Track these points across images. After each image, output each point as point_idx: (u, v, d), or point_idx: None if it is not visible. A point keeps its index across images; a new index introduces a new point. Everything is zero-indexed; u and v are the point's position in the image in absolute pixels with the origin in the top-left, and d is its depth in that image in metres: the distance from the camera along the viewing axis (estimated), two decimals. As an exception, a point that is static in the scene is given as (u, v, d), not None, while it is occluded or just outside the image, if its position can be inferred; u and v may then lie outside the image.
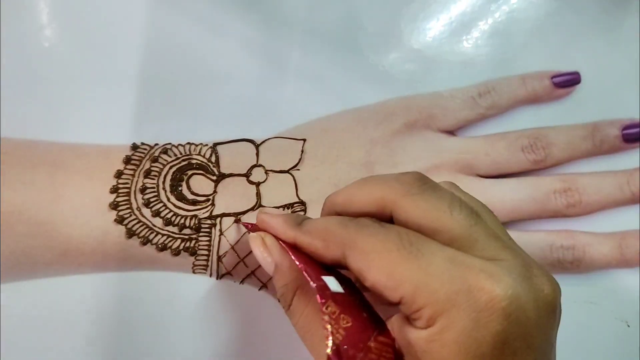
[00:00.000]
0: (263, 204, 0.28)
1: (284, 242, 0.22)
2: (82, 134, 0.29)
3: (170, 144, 0.29)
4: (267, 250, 0.23)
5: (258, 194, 0.28)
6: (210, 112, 0.31)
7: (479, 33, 0.33)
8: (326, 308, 0.18)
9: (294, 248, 0.22)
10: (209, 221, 0.28)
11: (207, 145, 0.29)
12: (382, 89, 0.32)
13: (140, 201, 0.28)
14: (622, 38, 0.33)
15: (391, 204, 0.20)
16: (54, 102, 0.30)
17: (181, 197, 0.28)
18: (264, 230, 0.23)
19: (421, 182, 0.21)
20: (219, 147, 0.29)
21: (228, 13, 0.32)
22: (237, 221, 0.28)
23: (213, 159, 0.29)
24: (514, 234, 0.30)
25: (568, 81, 0.32)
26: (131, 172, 0.28)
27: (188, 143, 0.29)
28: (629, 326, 0.30)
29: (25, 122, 0.29)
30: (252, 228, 0.25)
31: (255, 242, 0.23)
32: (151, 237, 0.27)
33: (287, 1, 0.33)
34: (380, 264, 0.18)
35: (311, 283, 0.19)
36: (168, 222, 0.28)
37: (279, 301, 0.23)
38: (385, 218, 0.21)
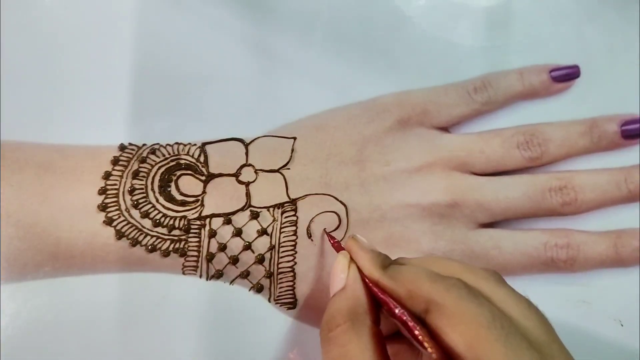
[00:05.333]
0: (253, 203, 0.28)
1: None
2: (71, 133, 0.29)
3: (158, 144, 0.29)
4: (345, 270, 0.23)
5: (248, 194, 0.28)
6: (201, 110, 0.30)
7: (478, 25, 0.32)
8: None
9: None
10: (198, 222, 0.28)
11: (195, 145, 0.29)
12: (380, 84, 0.31)
13: (128, 202, 0.27)
14: (621, 32, 0.32)
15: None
16: (42, 102, 0.29)
17: (170, 198, 0.28)
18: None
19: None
20: (207, 147, 0.29)
21: (221, 9, 0.31)
22: (326, 232, 0.28)
23: (202, 159, 0.29)
24: (508, 232, 0.30)
25: (567, 75, 0.31)
26: (119, 173, 0.28)
27: (176, 143, 0.29)
28: (622, 325, 0.29)
29: (14, 122, 0.29)
30: (336, 246, 0.25)
31: (340, 260, 0.23)
32: (140, 238, 0.27)
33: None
34: (466, 332, 0.18)
35: (396, 310, 0.20)
36: (157, 224, 0.27)
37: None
38: None
